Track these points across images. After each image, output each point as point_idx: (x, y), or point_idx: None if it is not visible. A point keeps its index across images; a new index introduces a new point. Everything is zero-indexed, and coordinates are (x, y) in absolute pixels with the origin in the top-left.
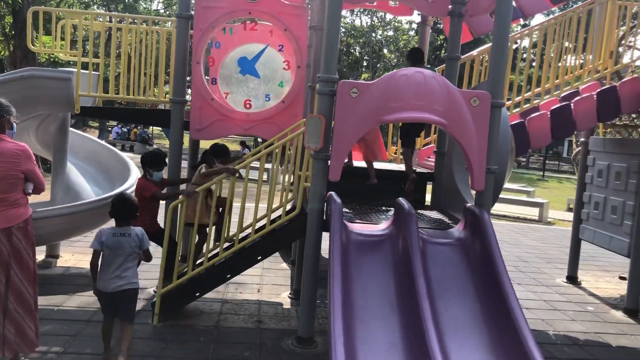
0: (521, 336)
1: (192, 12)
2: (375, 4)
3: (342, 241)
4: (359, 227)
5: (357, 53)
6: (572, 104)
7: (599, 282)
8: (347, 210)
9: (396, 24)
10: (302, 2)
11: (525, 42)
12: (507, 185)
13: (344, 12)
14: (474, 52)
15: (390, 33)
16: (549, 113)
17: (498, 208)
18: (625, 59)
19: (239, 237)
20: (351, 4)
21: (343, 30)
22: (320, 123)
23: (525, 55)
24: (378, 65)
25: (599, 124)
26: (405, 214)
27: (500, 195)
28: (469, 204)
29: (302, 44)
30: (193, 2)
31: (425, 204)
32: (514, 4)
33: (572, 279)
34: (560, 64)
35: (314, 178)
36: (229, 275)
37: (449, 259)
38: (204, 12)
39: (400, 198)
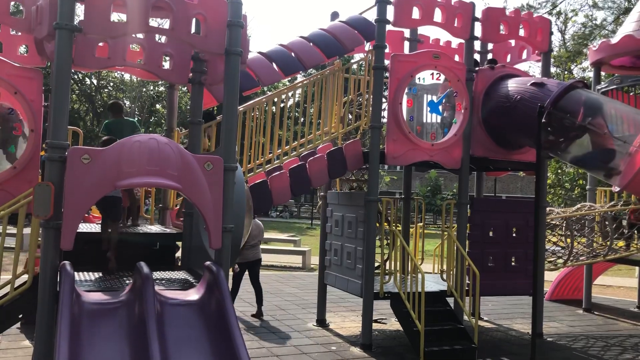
0: None
1: None
2: (123, 67)
3: (73, 313)
4: (96, 297)
5: (127, 108)
6: (307, 164)
7: (345, 322)
8: (90, 278)
9: None
10: (40, 62)
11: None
12: (275, 235)
13: None
14: (219, 118)
15: (162, 89)
16: (288, 172)
17: (266, 259)
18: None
19: None
20: (90, 68)
21: (112, 84)
22: (49, 190)
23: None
24: (151, 120)
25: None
26: (143, 277)
27: (268, 247)
28: (207, 262)
29: (35, 107)
30: None
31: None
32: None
33: (322, 321)
34: (297, 127)
35: (44, 248)
36: None
37: (186, 319)
38: None
39: (140, 262)
